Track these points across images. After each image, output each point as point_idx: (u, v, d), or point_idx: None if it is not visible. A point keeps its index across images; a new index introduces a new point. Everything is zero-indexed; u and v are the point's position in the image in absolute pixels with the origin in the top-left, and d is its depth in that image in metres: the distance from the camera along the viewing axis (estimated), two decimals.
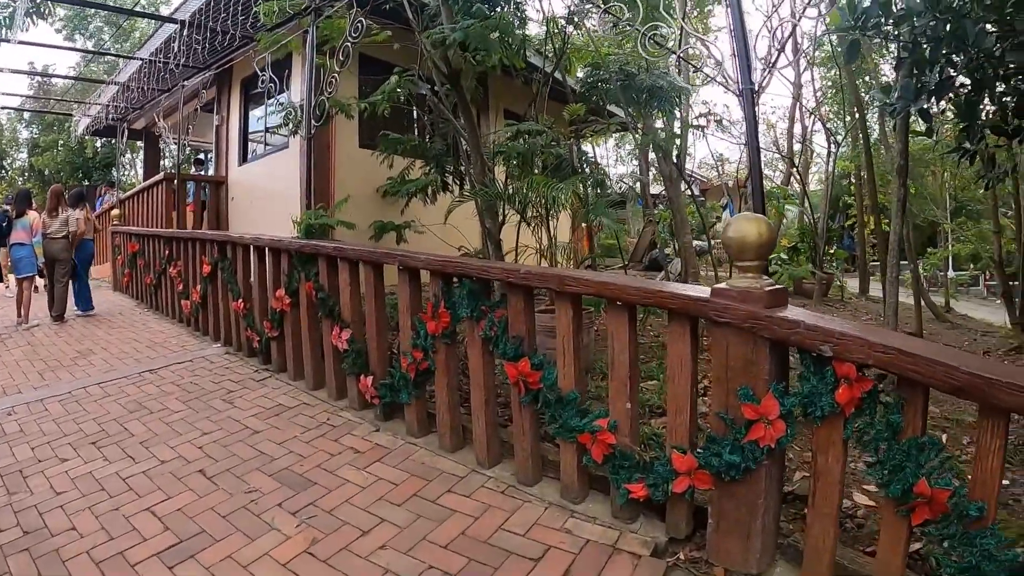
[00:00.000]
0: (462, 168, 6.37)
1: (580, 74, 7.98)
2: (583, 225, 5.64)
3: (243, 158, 10.51)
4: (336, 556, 2.99)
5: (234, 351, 6.39)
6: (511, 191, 5.29)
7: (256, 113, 10.40)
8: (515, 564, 2.89)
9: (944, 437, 4.38)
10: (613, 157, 28.11)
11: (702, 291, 2.76)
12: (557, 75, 6.79)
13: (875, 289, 14.54)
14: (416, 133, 8.52)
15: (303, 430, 4.42)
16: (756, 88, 3.48)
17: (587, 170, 6.02)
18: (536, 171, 5.32)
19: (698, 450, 2.85)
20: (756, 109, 3.42)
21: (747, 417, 2.64)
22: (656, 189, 15.77)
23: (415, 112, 8.75)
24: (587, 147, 12.02)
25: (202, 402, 5.01)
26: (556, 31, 6.82)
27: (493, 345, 3.56)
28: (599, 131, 6.56)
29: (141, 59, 10.63)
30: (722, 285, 2.70)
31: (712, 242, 12.57)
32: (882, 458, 2.43)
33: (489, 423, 3.71)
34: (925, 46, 3.90)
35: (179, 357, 6.32)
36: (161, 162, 16.83)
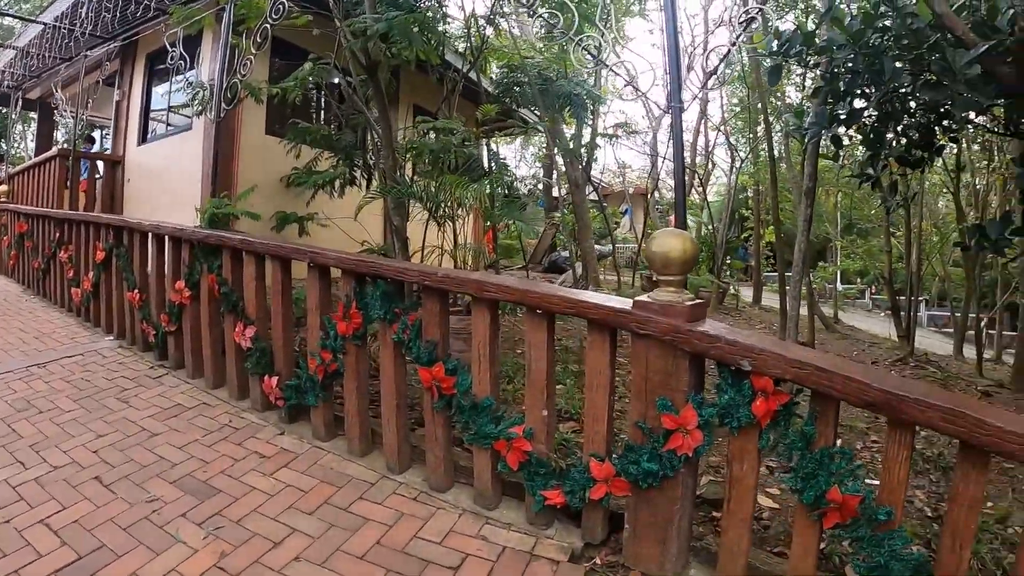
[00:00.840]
0: (371, 162, 6.11)
1: (494, 75, 7.81)
2: (488, 226, 5.48)
3: (143, 138, 9.78)
4: (248, 570, 2.77)
5: (128, 345, 5.94)
6: (420, 189, 5.09)
7: (160, 90, 9.65)
8: (434, 574, 2.76)
9: (839, 443, 4.48)
10: (517, 158, 28.02)
11: (624, 303, 2.68)
12: (472, 74, 6.60)
13: (766, 299, 15.05)
14: (324, 123, 8.16)
15: (204, 432, 4.12)
16: (684, 107, 3.41)
17: (497, 171, 5.88)
18: (448, 170, 5.14)
19: (615, 458, 2.78)
20: (682, 126, 3.36)
21: (666, 427, 2.58)
22: (558, 192, 15.79)
23: (323, 102, 8.37)
24: (493, 147, 11.92)
25: (95, 401, 4.61)
26: (476, 30, 6.62)
27: (406, 349, 3.39)
28: (513, 133, 6.41)
29: (44, 24, 9.76)
30: (644, 298, 2.63)
31: (613, 247, 12.70)
32: (796, 466, 2.44)
33: (400, 427, 3.54)
34: (843, 77, 3.99)
35: (69, 350, 5.83)
36: (55, 136, 15.64)
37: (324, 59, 5.98)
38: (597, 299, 2.72)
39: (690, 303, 2.55)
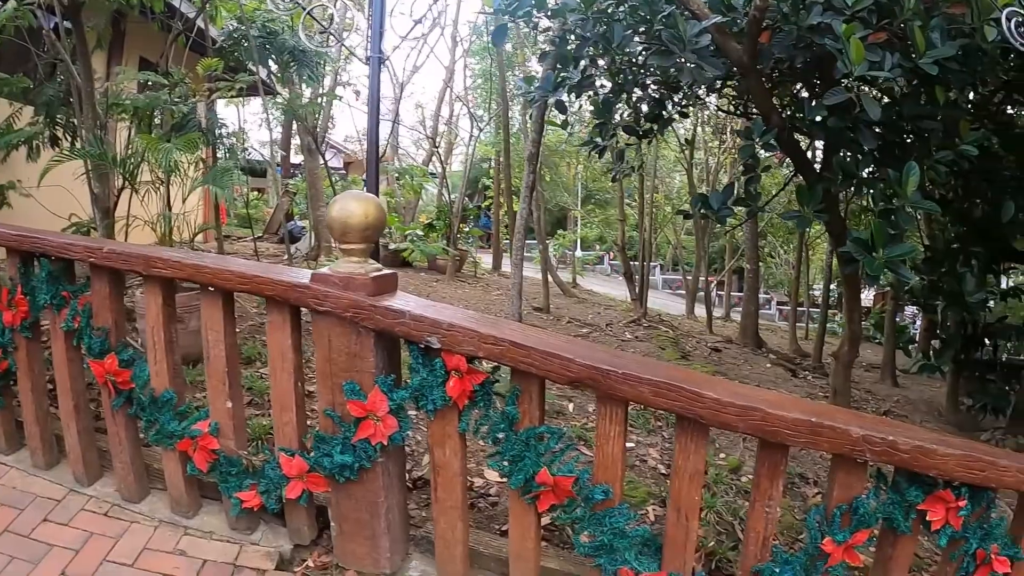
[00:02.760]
0: (75, 120, 5.14)
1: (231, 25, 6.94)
2: (214, 194, 4.81)
3: None
4: None
5: None
6: (129, 151, 4.28)
7: None
8: None
9: (571, 406, 4.35)
10: (259, 122, 26.22)
11: (302, 277, 2.21)
12: (201, 24, 5.76)
13: (508, 265, 15.11)
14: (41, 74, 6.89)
15: None
16: (385, 58, 3.00)
17: (219, 133, 5.15)
18: (161, 130, 4.38)
19: (307, 452, 2.34)
20: (380, 79, 2.95)
21: (355, 414, 2.16)
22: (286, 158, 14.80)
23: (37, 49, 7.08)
24: (231, 109, 10.87)
25: None
26: None
27: (77, 338, 2.73)
28: (225, 89, 5.59)
29: None
30: (324, 270, 2.18)
31: None
32: (502, 449, 2.14)
33: (83, 432, 2.86)
34: (572, 43, 3.79)
35: None
36: None
37: None
38: (272, 274, 2.23)
39: (375, 274, 2.13)
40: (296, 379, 2.30)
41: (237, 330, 3.09)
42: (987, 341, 6.73)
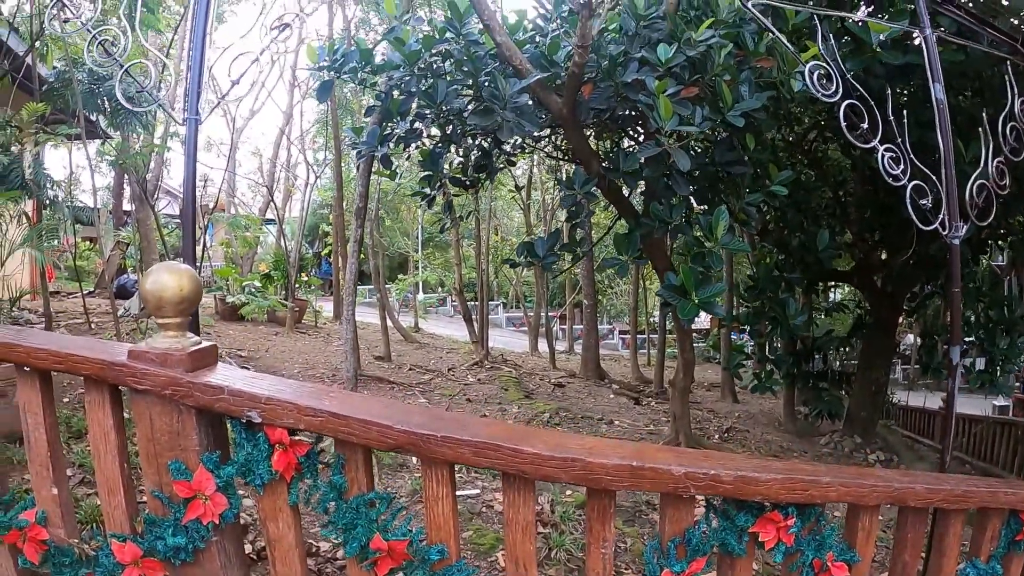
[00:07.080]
0: None
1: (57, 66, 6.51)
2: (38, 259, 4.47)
3: None
4: None
5: None
6: None
7: None
8: None
9: (415, 459, 4.18)
10: (93, 166, 24.76)
11: (119, 352, 2.07)
12: (30, 61, 5.38)
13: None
14: None
15: None
16: (202, 120, 2.87)
17: (45, 184, 4.86)
18: None
19: (140, 536, 2.18)
20: (197, 141, 2.81)
21: (182, 495, 2.03)
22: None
23: None
24: (61, 152, 10.25)
25: None
26: (37, 8, 5.43)
27: None
28: (47, 138, 5.25)
29: None
30: (142, 346, 2.05)
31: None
32: (333, 518, 2.04)
33: None
34: (398, 97, 3.80)
35: None
36: None
37: None
38: (88, 350, 2.08)
39: (193, 349, 2.01)
40: (121, 460, 2.15)
41: (67, 399, 2.88)
42: (816, 353, 7.01)
